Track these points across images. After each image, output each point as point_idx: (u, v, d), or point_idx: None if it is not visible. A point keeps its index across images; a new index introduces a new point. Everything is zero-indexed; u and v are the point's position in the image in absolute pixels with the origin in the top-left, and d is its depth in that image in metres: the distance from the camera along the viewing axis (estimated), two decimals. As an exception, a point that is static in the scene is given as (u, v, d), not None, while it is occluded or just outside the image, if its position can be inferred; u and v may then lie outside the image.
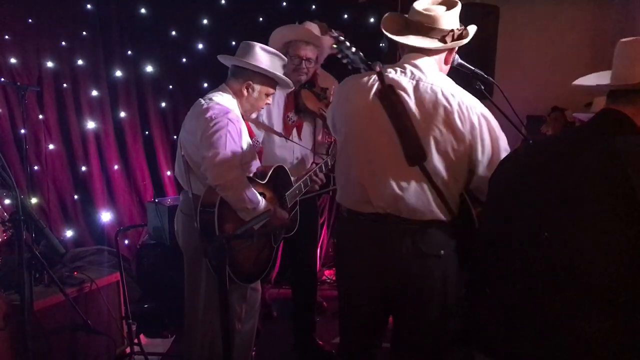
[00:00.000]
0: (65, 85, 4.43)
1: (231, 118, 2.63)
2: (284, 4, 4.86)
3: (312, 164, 3.40)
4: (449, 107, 2.05)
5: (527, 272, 1.64)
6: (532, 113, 4.83)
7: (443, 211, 2.09)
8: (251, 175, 2.78)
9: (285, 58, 2.90)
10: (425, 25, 2.17)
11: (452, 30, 2.20)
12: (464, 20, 4.10)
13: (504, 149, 2.12)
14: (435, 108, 2.05)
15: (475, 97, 2.69)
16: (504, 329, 1.68)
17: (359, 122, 2.18)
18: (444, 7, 2.21)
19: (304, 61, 3.40)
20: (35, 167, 4.34)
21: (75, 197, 4.52)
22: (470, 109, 2.08)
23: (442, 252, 2.11)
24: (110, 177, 4.63)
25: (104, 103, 4.57)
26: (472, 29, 2.27)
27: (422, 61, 2.17)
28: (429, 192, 2.07)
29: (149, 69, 4.60)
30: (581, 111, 4.08)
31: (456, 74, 2.92)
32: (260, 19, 4.67)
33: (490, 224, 1.86)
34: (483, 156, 2.09)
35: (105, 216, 4.55)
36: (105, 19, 4.54)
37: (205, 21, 4.70)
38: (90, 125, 4.51)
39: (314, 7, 4.90)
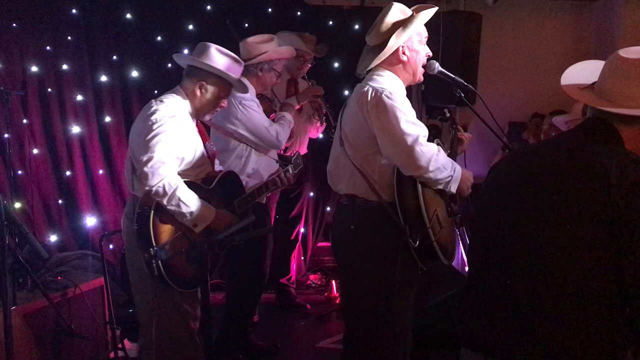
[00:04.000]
0: (49, 89, 4.43)
1: (175, 121, 2.61)
2: (270, 10, 4.88)
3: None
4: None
5: (507, 270, 1.68)
6: (513, 119, 4.90)
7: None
8: (199, 181, 2.76)
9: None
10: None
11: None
12: (447, 27, 4.17)
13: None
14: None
15: (456, 104, 2.78)
16: (486, 325, 1.71)
17: None
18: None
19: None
20: (19, 172, 4.33)
21: (60, 201, 4.51)
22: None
23: (352, 227, 2.52)
24: (95, 182, 4.62)
25: (89, 108, 4.57)
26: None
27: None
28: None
29: (135, 74, 4.60)
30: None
31: (437, 82, 2.97)
32: (246, 24, 4.69)
33: (480, 225, 1.89)
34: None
35: (90, 221, 4.55)
36: (91, 24, 4.54)
37: (190, 26, 4.71)
38: (75, 129, 4.50)
39: (299, 13, 4.93)
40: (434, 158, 2.38)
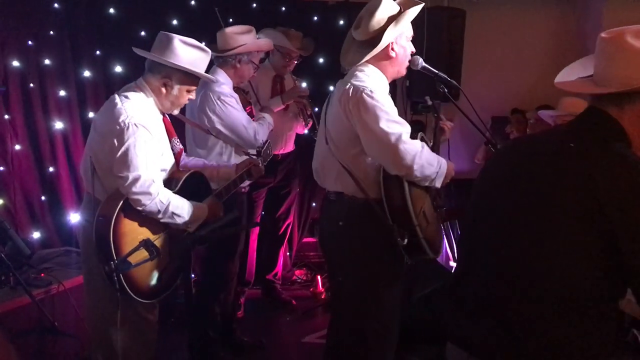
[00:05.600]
0: (32, 85, 4.37)
1: (144, 124, 2.46)
2: (254, 5, 4.87)
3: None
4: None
5: (491, 272, 1.67)
6: (496, 114, 4.95)
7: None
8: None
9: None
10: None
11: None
12: (431, 23, 4.19)
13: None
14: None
15: (439, 100, 2.78)
16: (470, 324, 1.71)
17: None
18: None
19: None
20: (1, 168, 4.27)
21: (43, 197, 4.46)
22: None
23: (341, 223, 2.55)
24: (79, 178, 4.57)
25: (72, 103, 4.52)
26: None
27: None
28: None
29: (118, 69, 4.56)
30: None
31: (422, 78, 2.99)
32: (230, 20, 4.67)
33: (469, 223, 1.87)
34: None
35: (74, 217, 4.50)
36: (73, 19, 4.48)
37: (175, 21, 4.68)
38: (58, 125, 4.45)
39: (283, 8, 4.92)
40: (419, 155, 2.38)
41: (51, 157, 4.48)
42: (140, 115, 2.48)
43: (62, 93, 4.47)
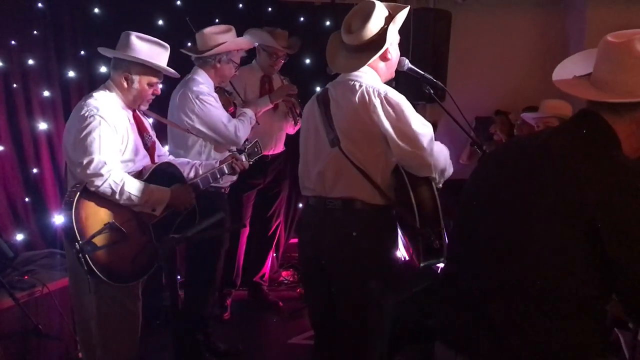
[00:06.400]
0: (15, 85, 4.32)
1: (103, 116, 2.58)
2: (241, 5, 4.86)
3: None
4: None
5: (479, 275, 1.68)
6: (480, 114, 4.99)
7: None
8: (132, 174, 2.71)
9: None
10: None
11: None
12: (417, 25, 4.20)
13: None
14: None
15: (425, 100, 2.78)
16: (458, 324, 1.72)
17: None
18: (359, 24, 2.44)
19: None
20: (-16, 170, 4.22)
21: (27, 199, 4.41)
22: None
23: (354, 233, 2.39)
24: (63, 179, 4.53)
25: (56, 104, 4.48)
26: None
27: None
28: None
29: (103, 69, 4.52)
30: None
31: (408, 79, 3.00)
32: (217, 20, 4.65)
33: (459, 224, 1.88)
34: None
35: (58, 219, 4.46)
36: (57, 18, 4.45)
37: (160, 22, 4.66)
38: (42, 126, 4.41)
39: (270, 9, 4.92)
40: (448, 155, 2.41)
41: (35, 158, 4.44)
42: (102, 108, 2.62)
43: (46, 93, 4.44)
